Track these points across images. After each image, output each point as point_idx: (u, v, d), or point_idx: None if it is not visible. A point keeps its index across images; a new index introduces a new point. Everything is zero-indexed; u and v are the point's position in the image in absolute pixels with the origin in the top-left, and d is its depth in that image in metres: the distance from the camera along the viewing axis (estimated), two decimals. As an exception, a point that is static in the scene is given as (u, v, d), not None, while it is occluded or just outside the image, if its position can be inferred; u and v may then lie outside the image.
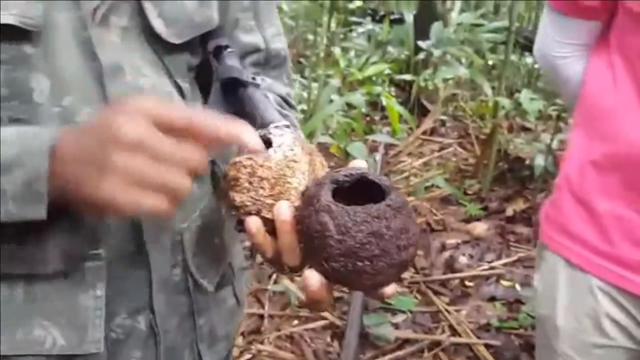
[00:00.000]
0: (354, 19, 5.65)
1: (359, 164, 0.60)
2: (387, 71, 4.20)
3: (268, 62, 0.80)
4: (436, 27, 3.87)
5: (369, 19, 5.61)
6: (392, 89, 4.36)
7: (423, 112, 4.15)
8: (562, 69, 1.09)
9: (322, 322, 2.23)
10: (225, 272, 0.78)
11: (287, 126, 0.61)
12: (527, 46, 4.47)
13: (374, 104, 4.01)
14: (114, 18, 0.61)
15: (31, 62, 0.57)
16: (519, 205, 3.12)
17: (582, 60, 1.07)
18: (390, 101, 3.64)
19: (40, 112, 0.58)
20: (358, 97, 3.43)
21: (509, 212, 3.06)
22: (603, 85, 1.00)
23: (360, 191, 0.57)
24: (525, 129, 3.93)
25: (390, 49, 4.81)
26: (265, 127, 0.62)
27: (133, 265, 0.65)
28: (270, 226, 0.57)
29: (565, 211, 1.05)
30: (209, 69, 0.71)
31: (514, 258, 2.72)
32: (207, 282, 0.73)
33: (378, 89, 3.84)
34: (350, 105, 3.52)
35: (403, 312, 2.35)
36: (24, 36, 0.55)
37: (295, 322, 2.23)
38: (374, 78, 4.11)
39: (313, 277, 0.54)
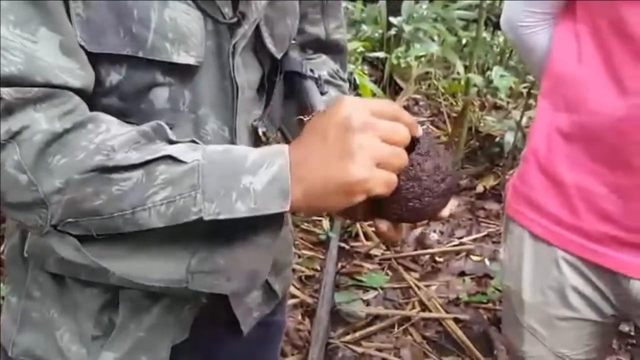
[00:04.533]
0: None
1: None
2: (360, 49, 4.16)
3: (325, 49, 0.91)
4: (407, 3, 3.83)
5: (342, -4, 5.54)
6: (365, 67, 4.33)
7: (396, 91, 4.13)
8: (529, 38, 1.08)
9: (293, 300, 2.22)
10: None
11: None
12: (498, 24, 4.47)
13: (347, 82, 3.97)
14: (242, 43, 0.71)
15: (186, 83, 0.68)
16: (489, 182, 3.15)
17: (548, 30, 1.06)
18: (363, 79, 3.61)
19: (181, 118, 0.68)
20: (330, 74, 3.38)
21: (479, 188, 3.09)
22: (569, 55, 0.99)
23: None
24: (497, 107, 3.95)
25: (364, 27, 4.77)
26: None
27: None
28: None
29: (531, 183, 1.04)
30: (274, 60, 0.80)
31: (484, 233, 2.74)
32: None
33: (351, 67, 3.80)
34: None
35: (374, 288, 2.36)
36: (190, 69, 0.67)
37: (266, 300, 2.22)
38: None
39: (382, 225, 0.67)
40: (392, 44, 4.03)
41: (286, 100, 0.82)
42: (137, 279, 0.65)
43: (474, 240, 2.69)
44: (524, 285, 1.07)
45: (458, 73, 4.09)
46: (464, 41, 4.61)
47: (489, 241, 2.69)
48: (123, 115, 0.65)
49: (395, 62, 3.99)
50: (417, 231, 2.71)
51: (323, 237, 2.62)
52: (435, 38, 4.22)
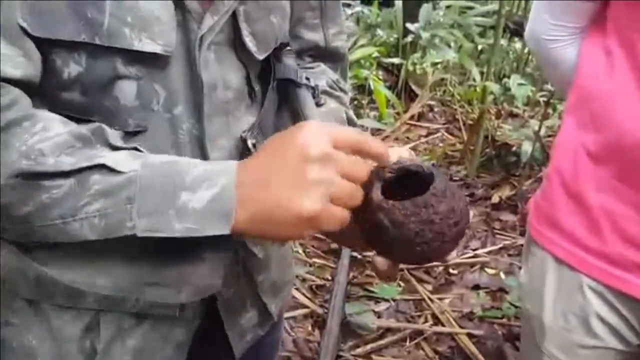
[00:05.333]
0: (343, 1, 5.54)
1: (403, 154, 0.66)
2: (375, 54, 4.13)
3: (325, 57, 0.85)
4: (425, 9, 3.79)
5: (358, 1, 5.51)
6: (380, 72, 4.29)
7: (411, 97, 4.09)
8: (554, 52, 1.03)
9: (303, 311, 2.19)
10: None
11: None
12: (516, 31, 4.41)
13: (362, 87, 3.94)
14: (212, 38, 0.66)
15: (157, 77, 0.63)
16: (505, 192, 3.09)
17: (576, 44, 1.01)
18: (378, 85, 3.57)
19: (155, 118, 0.63)
20: (345, 80, 3.35)
21: (495, 199, 3.03)
22: (598, 71, 0.94)
23: (407, 179, 0.63)
24: (513, 115, 3.89)
25: (379, 32, 4.73)
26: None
27: None
28: None
29: (555, 203, 1.00)
30: (267, 66, 0.75)
31: (499, 246, 2.68)
32: (259, 249, 0.77)
33: (366, 72, 3.77)
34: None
35: (386, 300, 2.31)
36: (158, 59, 0.62)
37: (276, 310, 2.18)
38: (361, 61, 4.04)
39: (380, 263, 0.63)
40: (408, 50, 3.99)
41: (280, 110, 0.77)
42: (86, 287, 0.63)
43: (489, 252, 2.63)
44: (546, 310, 1.02)
45: (474, 80, 4.04)
46: (479, 46, 4.56)
47: (505, 254, 2.63)
48: (87, 112, 0.60)
49: (411, 68, 3.95)
50: (431, 242, 2.66)
51: (335, 245, 2.58)
52: (452, 44, 4.17)
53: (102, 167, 0.55)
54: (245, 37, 0.68)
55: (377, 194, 0.60)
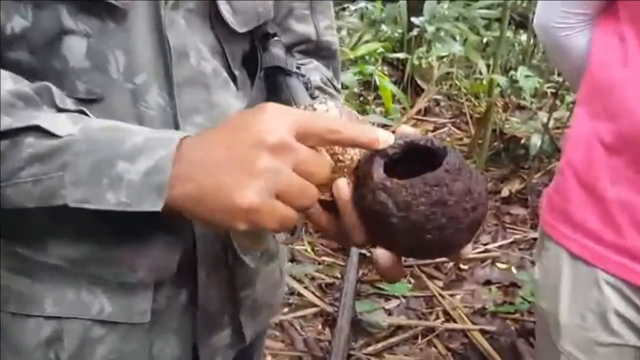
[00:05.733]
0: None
1: (408, 131, 0.57)
2: (380, 50, 4.09)
3: (316, 53, 0.80)
4: (430, 2, 3.76)
5: (361, -4, 5.48)
6: (386, 67, 4.25)
7: (417, 92, 4.05)
8: (565, 41, 1.00)
9: (312, 310, 2.17)
10: (268, 249, 0.76)
11: (331, 102, 0.59)
12: (521, 23, 4.37)
13: (367, 83, 3.91)
14: (182, 2, 0.61)
15: (112, 37, 0.57)
16: (515, 185, 3.05)
17: (587, 32, 0.98)
18: (383, 80, 3.54)
19: (114, 87, 0.58)
20: (350, 77, 3.34)
21: (505, 192, 3.00)
22: (612, 59, 0.91)
23: (413, 157, 0.54)
24: (521, 107, 3.85)
25: (383, 27, 4.69)
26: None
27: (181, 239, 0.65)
28: (326, 206, 0.55)
29: (569, 197, 0.97)
30: (253, 55, 0.70)
31: (510, 240, 2.65)
32: (249, 259, 0.72)
33: (371, 68, 3.74)
34: (342, 85, 3.42)
35: (396, 297, 2.29)
36: (110, 12, 0.56)
37: (286, 309, 2.16)
38: (366, 57, 4.00)
39: (383, 257, 0.54)
40: (413, 45, 3.95)
41: (270, 100, 0.71)
42: (36, 255, 0.60)
43: (500, 247, 2.60)
44: (561, 307, 0.99)
45: (480, 73, 4.00)
46: (484, 39, 4.51)
47: (516, 248, 2.60)
48: (36, 75, 0.55)
49: (416, 62, 3.91)
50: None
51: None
52: (457, 37, 4.13)
53: (37, 129, 0.51)
54: (221, 5, 0.63)
55: (379, 171, 0.51)
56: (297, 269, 2.34)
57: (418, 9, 3.85)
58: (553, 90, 3.23)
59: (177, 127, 0.61)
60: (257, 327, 0.79)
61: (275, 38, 0.72)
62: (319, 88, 0.75)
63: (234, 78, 0.68)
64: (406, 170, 0.53)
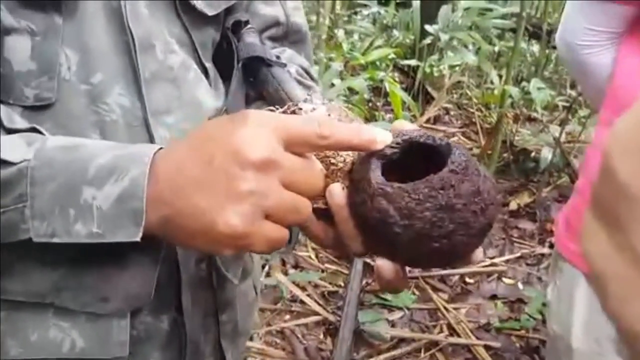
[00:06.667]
0: (359, 0, 5.49)
1: (405, 126, 0.51)
2: (392, 56, 4.06)
3: (287, 37, 0.73)
4: (444, 10, 3.73)
5: (374, 1, 5.45)
6: (396, 74, 4.22)
7: (427, 99, 4.02)
8: (588, 59, 0.98)
9: (315, 318, 2.14)
10: (245, 264, 0.72)
11: (317, 99, 0.53)
12: (535, 33, 4.33)
13: (377, 89, 3.88)
14: None
15: (60, 33, 0.51)
16: (524, 199, 3.02)
17: (611, 50, 0.95)
18: (393, 87, 3.51)
19: (67, 89, 0.51)
20: (361, 82, 3.31)
21: (513, 205, 2.96)
22: (637, 80, 0.88)
23: (413, 156, 0.48)
24: (531, 119, 3.81)
25: (395, 32, 4.67)
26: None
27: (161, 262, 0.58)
28: (320, 214, 0.50)
29: (587, 219, 0.94)
30: (226, 46, 0.64)
31: (517, 255, 2.62)
32: (232, 275, 0.68)
33: (381, 74, 3.71)
34: (352, 90, 3.40)
35: (400, 308, 2.26)
36: (56, 5, 0.50)
37: (287, 317, 2.14)
38: (377, 63, 3.98)
39: (386, 268, 0.48)
40: (425, 53, 3.92)
41: (249, 97, 0.66)
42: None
43: (507, 261, 2.56)
44: (574, 331, 0.96)
45: (492, 83, 3.96)
46: (496, 49, 4.48)
47: (523, 263, 2.56)
48: None
49: (428, 70, 3.89)
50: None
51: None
52: (470, 47, 4.10)
53: None
54: None
55: (376, 174, 0.46)
56: (300, 276, 2.31)
57: (431, 15, 3.83)
58: (565, 104, 3.19)
59: (148, 130, 0.55)
60: (236, 355, 0.74)
61: (249, 26, 0.66)
62: (297, 81, 0.68)
63: (205, 72, 0.62)
64: (406, 171, 0.48)
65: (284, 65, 0.65)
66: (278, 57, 0.65)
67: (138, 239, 0.46)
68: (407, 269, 0.50)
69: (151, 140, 0.55)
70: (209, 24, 0.62)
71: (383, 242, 0.47)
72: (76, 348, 0.56)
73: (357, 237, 0.49)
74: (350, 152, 0.50)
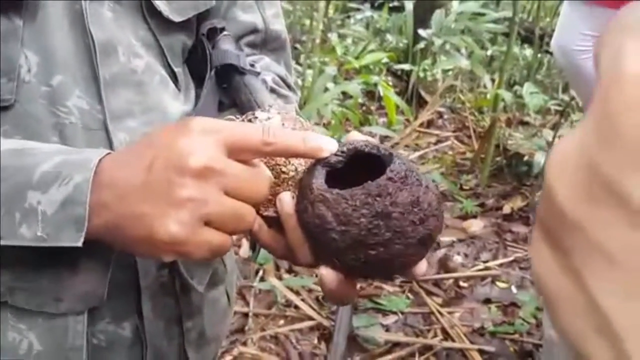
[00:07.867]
0: (352, 5, 5.51)
1: (355, 137, 0.52)
2: (385, 60, 4.07)
3: (265, 44, 0.73)
4: (438, 15, 3.74)
5: (367, 5, 5.47)
6: (390, 78, 4.23)
7: (420, 103, 4.03)
8: (584, 64, 0.98)
9: (309, 323, 2.13)
10: (216, 270, 0.70)
11: (274, 108, 0.53)
12: (527, 37, 4.36)
13: (371, 93, 3.89)
14: None
15: (20, 36, 0.51)
16: (517, 203, 3.02)
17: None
18: (387, 91, 3.52)
19: (27, 91, 0.52)
20: (354, 86, 3.32)
21: (506, 209, 2.96)
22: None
23: (362, 166, 0.49)
24: (523, 123, 3.83)
25: (388, 37, 4.68)
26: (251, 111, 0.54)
27: (119, 267, 0.57)
28: (271, 223, 0.51)
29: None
30: (201, 53, 0.64)
31: (511, 258, 2.62)
32: (197, 282, 0.67)
33: (375, 78, 3.71)
34: (345, 94, 3.40)
35: (394, 313, 2.25)
36: (13, 6, 0.50)
37: (281, 322, 2.13)
38: (371, 67, 3.98)
39: (328, 276, 0.48)
40: (418, 57, 3.94)
41: (223, 106, 0.66)
42: None
43: (500, 265, 2.57)
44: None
45: (485, 87, 3.98)
46: (489, 53, 4.50)
47: (516, 267, 2.57)
48: None
49: (421, 74, 3.90)
50: (441, 252, 2.61)
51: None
52: (463, 51, 4.12)
53: None
54: None
55: (318, 181, 0.47)
56: (294, 281, 2.30)
57: (424, 19, 3.84)
58: (557, 108, 3.21)
59: (107, 134, 0.55)
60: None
61: (225, 33, 0.66)
62: (272, 90, 0.70)
63: (174, 76, 0.62)
64: (354, 181, 0.48)
65: (258, 73, 0.65)
66: (253, 65, 0.65)
67: (80, 244, 0.46)
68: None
69: (110, 144, 0.55)
70: (178, 29, 0.62)
71: (324, 249, 0.47)
72: (33, 351, 0.56)
73: (304, 245, 0.49)
74: (302, 161, 0.50)
